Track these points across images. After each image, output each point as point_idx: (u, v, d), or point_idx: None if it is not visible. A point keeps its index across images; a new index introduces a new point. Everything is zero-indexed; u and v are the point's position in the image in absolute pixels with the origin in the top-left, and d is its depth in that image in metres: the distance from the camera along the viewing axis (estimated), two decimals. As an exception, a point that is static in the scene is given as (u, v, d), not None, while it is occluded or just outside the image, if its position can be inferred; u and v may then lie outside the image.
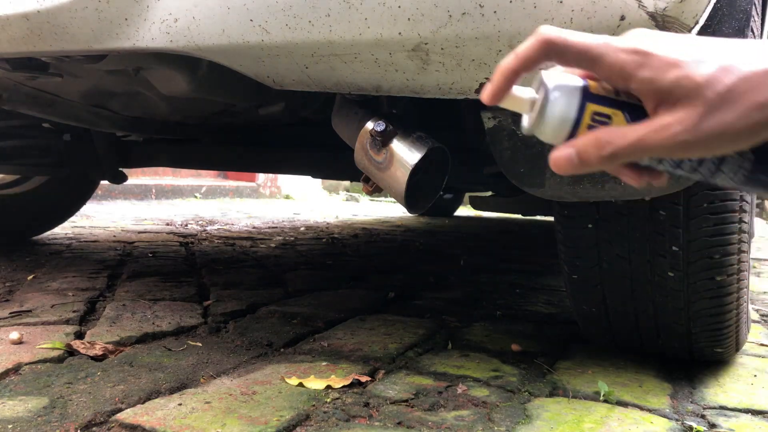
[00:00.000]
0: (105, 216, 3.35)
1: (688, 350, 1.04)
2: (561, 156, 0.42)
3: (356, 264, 2.07)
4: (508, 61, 0.43)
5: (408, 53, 0.70)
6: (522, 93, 0.44)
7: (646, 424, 0.83)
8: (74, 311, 1.23)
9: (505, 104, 0.44)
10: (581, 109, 0.41)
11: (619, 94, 0.43)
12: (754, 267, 2.51)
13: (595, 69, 0.42)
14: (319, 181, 6.22)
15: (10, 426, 0.72)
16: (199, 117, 1.39)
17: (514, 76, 0.43)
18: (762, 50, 0.39)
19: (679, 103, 0.38)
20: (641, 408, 0.89)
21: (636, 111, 0.42)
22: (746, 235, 0.93)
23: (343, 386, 0.89)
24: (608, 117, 0.41)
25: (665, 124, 0.39)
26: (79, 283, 1.51)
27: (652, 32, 0.42)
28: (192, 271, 1.76)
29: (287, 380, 0.91)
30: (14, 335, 1.02)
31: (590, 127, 0.41)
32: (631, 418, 0.85)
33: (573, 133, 0.42)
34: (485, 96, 0.44)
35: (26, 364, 0.92)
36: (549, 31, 0.42)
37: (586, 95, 0.42)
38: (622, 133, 0.40)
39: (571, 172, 0.42)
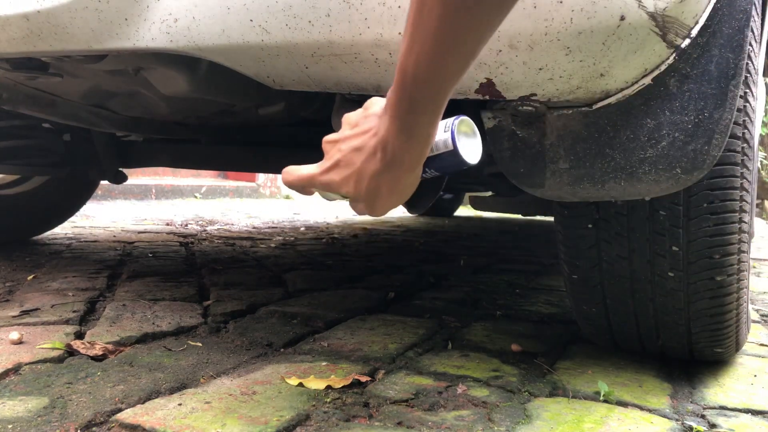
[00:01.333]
0: (105, 216, 3.35)
1: (688, 350, 1.04)
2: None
3: (356, 264, 2.07)
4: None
5: (408, 53, 0.70)
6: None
7: (646, 424, 0.83)
8: (74, 311, 1.23)
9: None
10: None
11: None
12: (754, 267, 2.51)
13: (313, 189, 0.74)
14: (319, 181, 6.20)
15: (10, 426, 0.72)
16: (199, 117, 1.39)
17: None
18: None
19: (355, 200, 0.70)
20: (641, 408, 0.89)
21: None
22: (746, 235, 0.93)
23: (343, 386, 0.89)
24: None
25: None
26: (79, 283, 1.51)
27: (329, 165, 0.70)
28: (192, 271, 1.76)
29: (287, 380, 0.91)
30: (14, 335, 1.02)
31: None
32: (631, 418, 0.85)
33: None
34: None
35: (26, 364, 0.92)
36: (283, 179, 0.73)
37: None
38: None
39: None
